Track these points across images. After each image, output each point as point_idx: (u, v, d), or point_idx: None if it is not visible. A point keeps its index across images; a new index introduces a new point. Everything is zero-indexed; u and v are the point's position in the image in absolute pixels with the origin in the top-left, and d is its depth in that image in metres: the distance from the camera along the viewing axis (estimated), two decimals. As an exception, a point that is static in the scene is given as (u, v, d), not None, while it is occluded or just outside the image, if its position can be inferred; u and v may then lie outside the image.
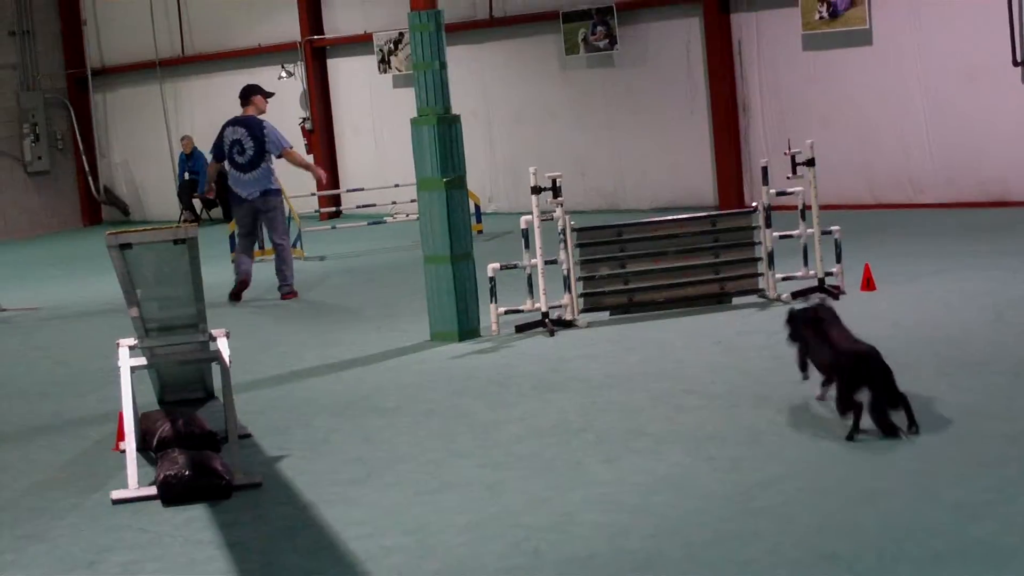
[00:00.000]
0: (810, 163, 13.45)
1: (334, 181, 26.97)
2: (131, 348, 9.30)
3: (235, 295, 16.82)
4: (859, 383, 8.43)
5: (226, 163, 16.86)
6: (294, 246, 20.79)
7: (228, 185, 17.09)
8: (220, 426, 9.67)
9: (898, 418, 8.41)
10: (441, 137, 12.85)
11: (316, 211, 26.13)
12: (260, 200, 16.69)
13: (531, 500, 7.82)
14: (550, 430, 9.36)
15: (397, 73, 26.20)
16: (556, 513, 7.55)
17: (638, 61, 23.31)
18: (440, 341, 12.82)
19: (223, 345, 9.21)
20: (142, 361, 9.33)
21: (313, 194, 25.17)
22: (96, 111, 32.08)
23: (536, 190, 12.91)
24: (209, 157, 18.50)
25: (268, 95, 17.18)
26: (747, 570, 6.48)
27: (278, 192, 17.00)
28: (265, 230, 17.58)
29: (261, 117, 16.80)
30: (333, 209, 26.58)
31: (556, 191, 12.86)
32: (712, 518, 7.25)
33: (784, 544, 6.75)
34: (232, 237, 21.01)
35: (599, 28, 23.50)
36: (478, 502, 7.87)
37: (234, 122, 16.85)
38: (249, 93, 17.06)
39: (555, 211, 13.03)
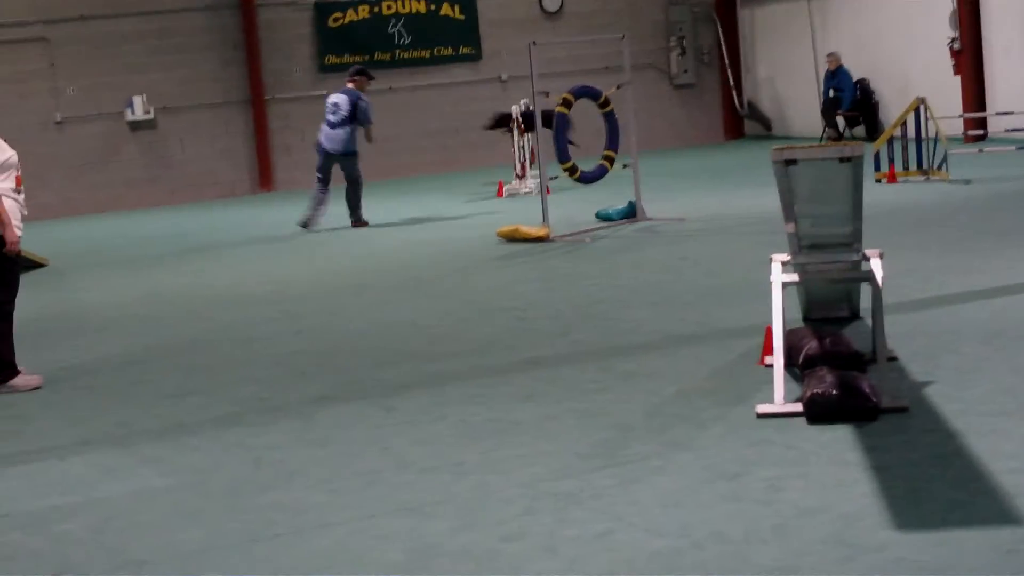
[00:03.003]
0: None
1: (981, 103, 26.19)
2: (784, 264, 9.34)
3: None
4: None
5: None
6: (939, 168, 20.39)
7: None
8: (865, 347, 9.61)
9: None
10: (1109, 60, 12.23)
11: (962, 134, 25.44)
12: (340, 156, 20.80)
13: None
14: None
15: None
16: None
17: None
18: (1095, 273, 12.28)
19: (876, 265, 9.09)
20: (794, 277, 9.36)
21: (960, 116, 24.56)
22: (743, 26, 32.43)
23: None
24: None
25: (371, 78, 21.64)
26: None
27: (355, 154, 20.95)
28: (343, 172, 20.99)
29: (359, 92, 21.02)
30: (980, 132, 25.82)
31: None
32: None
33: None
34: (877, 156, 20.84)
35: None
36: None
37: (337, 91, 21.22)
38: (354, 73, 21.40)
39: None
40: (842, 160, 8.25)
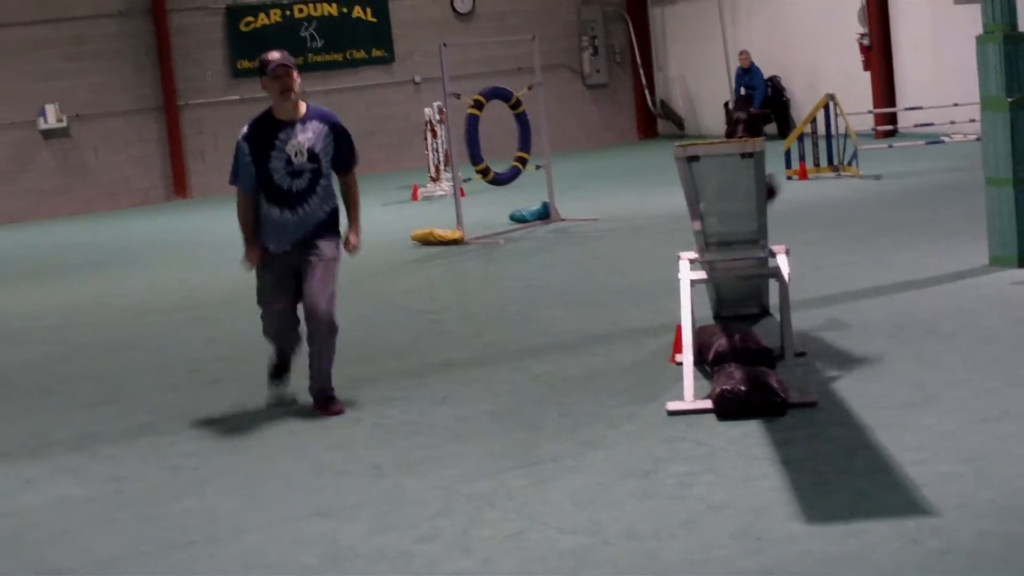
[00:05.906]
0: None
1: (891, 99, 26.49)
2: (691, 262, 9.45)
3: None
4: None
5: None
6: (849, 164, 20.58)
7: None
8: (775, 343, 9.74)
9: None
10: (1007, 55, 12.38)
11: (872, 129, 25.71)
12: None
13: (1098, 436, 7.54)
14: (1118, 364, 8.98)
15: (961, -12, 25.40)
16: (1125, 451, 7.25)
17: None
18: (999, 266, 12.43)
19: (783, 262, 9.23)
20: (702, 275, 9.47)
21: (870, 112, 24.82)
22: (655, 25, 32.59)
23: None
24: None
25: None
26: None
27: None
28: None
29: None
30: (890, 127, 26.11)
31: None
32: None
33: None
34: (788, 153, 20.99)
35: None
36: (1040, 434, 7.64)
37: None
38: None
39: None
40: (744, 156, 8.36)
